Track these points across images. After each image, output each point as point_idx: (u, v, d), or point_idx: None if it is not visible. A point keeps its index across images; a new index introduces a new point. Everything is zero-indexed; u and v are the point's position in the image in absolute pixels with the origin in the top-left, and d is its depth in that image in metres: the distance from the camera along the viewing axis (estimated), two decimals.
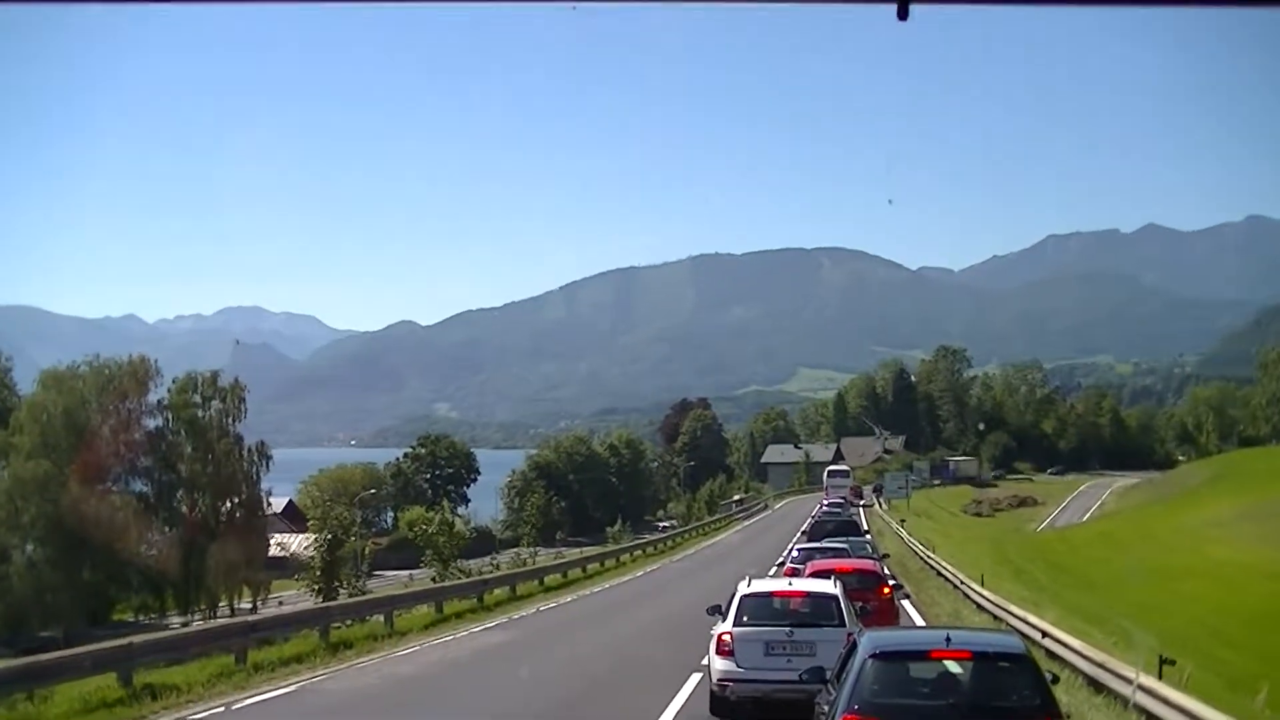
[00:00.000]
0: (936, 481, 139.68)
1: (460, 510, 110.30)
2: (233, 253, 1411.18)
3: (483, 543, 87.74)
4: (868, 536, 46.48)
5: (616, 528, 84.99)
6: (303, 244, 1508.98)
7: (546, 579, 40.19)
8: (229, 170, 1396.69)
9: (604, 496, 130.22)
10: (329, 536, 41.25)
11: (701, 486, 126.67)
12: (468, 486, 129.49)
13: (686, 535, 73.88)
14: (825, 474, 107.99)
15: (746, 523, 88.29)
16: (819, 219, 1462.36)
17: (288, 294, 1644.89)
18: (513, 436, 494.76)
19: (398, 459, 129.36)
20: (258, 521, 66.47)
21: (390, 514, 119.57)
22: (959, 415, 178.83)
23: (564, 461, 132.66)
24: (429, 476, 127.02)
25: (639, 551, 58.89)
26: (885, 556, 36.80)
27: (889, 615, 19.42)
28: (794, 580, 16.53)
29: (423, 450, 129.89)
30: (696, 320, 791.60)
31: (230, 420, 65.44)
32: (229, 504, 63.92)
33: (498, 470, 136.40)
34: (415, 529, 48.89)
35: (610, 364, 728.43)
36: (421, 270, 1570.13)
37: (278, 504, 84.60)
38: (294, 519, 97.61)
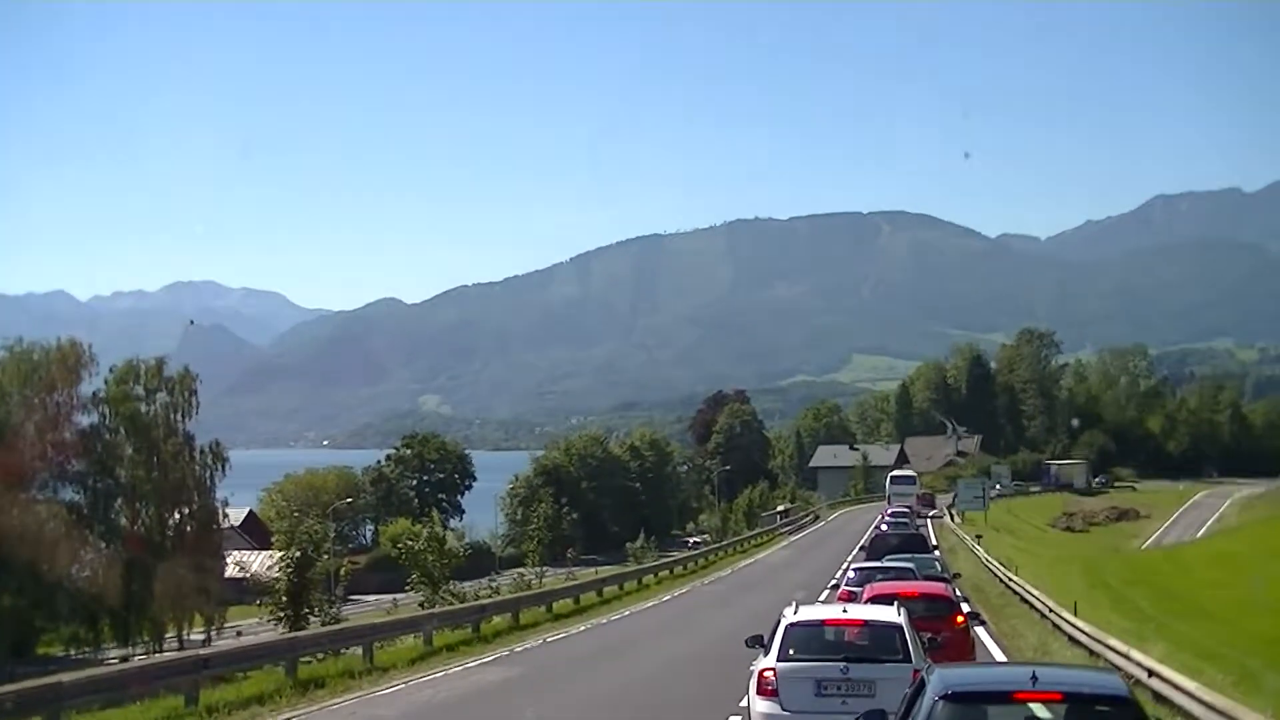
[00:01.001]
0: (1035, 488, 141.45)
1: (453, 523, 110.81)
2: (183, 219, 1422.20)
3: (480, 561, 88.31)
4: (937, 553, 46.78)
5: (638, 544, 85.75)
6: (266, 209, 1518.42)
7: (555, 605, 40.48)
8: (177, 126, 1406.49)
9: (623, 507, 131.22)
10: (297, 554, 41.13)
11: (739, 495, 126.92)
12: (462, 495, 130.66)
13: (721, 552, 74.55)
14: (887, 480, 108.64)
15: (793, 538, 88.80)
16: (879, 177, 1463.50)
17: (248, 267, 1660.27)
18: (515, 436, 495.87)
19: (379, 462, 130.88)
20: (212, 536, 66.38)
21: (370, 528, 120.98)
22: (1047, 410, 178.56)
23: (576, 465, 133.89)
24: (416, 483, 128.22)
25: (665, 572, 59.37)
26: (956, 576, 36.95)
27: (963, 649, 19.39)
28: (850, 607, 16.54)
29: (408, 452, 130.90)
30: (733, 298, 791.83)
31: (179, 416, 65.34)
32: (178, 516, 63.76)
33: (497, 475, 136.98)
34: (399, 545, 48.95)
35: (631, 350, 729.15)
36: (407, 239, 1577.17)
37: (236, 516, 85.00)
38: (255, 534, 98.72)
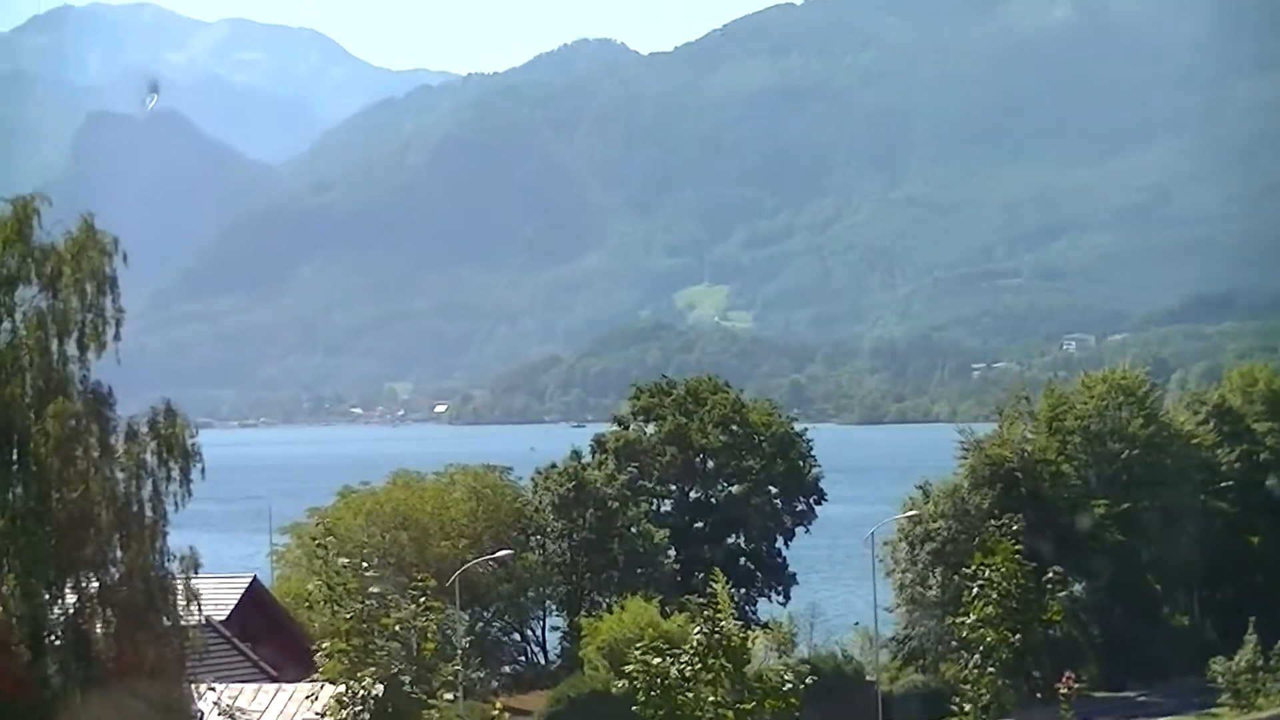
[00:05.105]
0: None
1: (767, 605, 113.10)
2: None
3: (839, 701, 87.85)
4: None
5: (1243, 656, 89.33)
6: None
7: None
8: None
9: (1207, 560, 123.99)
10: (375, 688, 40.64)
11: None
12: (790, 535, 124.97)
13: None
14: None
15: None
16: None
17: None
18: (916, 385, 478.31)
19: (577, 454, 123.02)
20: (167, 641, 55.82)
21: (557, 619, 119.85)
22: None
23: (1084, 453, 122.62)
24: (672, 504, 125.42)
25: None
26: None
27: None
28: None
29: (651, 428, 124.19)
30: None
31: (66, 343, 53.60)
32: (73, 597, 54.20)
33: (874, 484, 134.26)
34: (630, 665, 45.88)
35: (1211, 161, 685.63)
36: None
37: (221, 596, 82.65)
38: (266, 633, 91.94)
